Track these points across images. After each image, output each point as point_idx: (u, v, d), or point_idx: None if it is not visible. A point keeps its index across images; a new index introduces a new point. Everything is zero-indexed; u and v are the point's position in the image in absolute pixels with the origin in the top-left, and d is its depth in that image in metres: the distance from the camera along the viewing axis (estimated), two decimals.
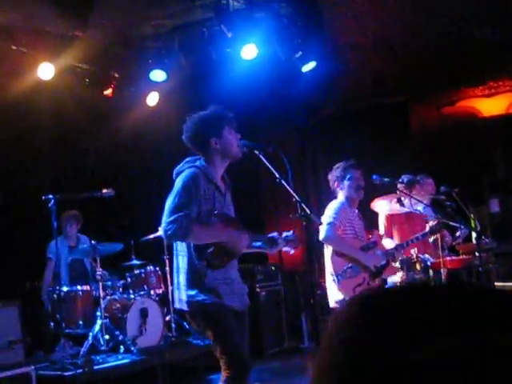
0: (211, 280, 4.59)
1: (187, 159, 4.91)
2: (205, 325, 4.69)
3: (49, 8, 7.30)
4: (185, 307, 4.69)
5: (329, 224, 6.30)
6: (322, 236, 6.32)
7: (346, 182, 6.56)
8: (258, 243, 5.13)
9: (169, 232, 4.44)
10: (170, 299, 8.36)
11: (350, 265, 6.30)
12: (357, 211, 6.70)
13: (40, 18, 7.94)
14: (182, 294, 4.70)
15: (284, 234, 5.18)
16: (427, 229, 7.14)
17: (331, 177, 6.72)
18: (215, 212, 4.69)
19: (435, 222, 7.17)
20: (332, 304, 6.42)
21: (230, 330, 4.64)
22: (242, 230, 4.83)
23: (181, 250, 4.72)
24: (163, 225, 4.49)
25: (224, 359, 4.57)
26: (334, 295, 6.31)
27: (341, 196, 6.64)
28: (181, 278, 4.70)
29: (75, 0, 7.16)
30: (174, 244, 4.80)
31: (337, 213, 6.40)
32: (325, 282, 6.68)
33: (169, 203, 4.56)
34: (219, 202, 4.78)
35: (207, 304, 4.58)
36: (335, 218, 6.35)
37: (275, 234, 5.17)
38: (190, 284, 4.62)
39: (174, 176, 4.83)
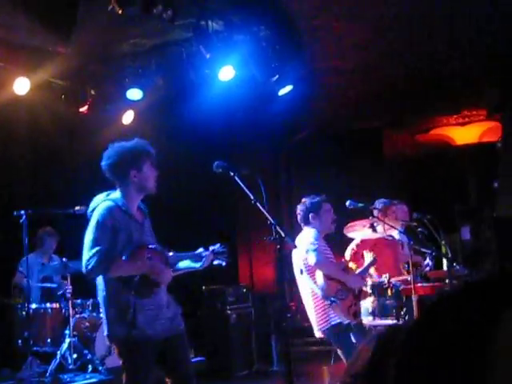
0: (133, 311, 4.56)
1: (99, 195, 4.90)
2: (120, 354, 4.72)
3: (30, 22, 7.27)
4: (107, 340, 4.81)
5: (315, 250, 6.32)
6: (312, 261, 6.33)
7: (322, 216, 6.61)
8: (186, 262, 5.12)
9: (89, 267, 4.46)
10: None
11: (339, 287, 6.32)
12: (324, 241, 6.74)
13: (19, 31, 7.89)
14: (105, 328, 4.76)
15: (211, 248, 5.18)
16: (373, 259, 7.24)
17: (301, 209, 6.74)
18: (135, 244, 4.69)
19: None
20: (318, 334, 6.44)
21: (137, 365, 4.65)
22: (164, 257, 4.87)
23: (100, 284, 4.72)
24: (84, 261, 4.50)
25: None
26: (326, 320, 6.33)
27: (307, 229, 6.67)
28: (103, 312, 4.77)
29: (59, 15, 7.11)
30: (97, 279, 4.77)
31: (317, 239, 6.44)
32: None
33: (87, 239, 4.58)
34: (137, 231, 4.76)
35: (122, 338, 4.60)
36: (318, 244, 6.38)
37: (201, 249, 5.16)
38: (110, 317, 4.64)
39: (89, 213, 4.83)
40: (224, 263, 5.28)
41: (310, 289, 6.46)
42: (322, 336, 6.58)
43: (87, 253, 4.48)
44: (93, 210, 4.77)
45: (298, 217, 6.77)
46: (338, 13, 8.31)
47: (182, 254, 5.11)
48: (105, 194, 4.87)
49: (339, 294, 6.31)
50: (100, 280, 4.69)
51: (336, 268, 6.46)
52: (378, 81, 10.52)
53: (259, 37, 8.71)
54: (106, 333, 4.71)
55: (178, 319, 4.95)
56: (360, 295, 6.61)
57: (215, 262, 5.22)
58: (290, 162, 12.97)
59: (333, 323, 6.32)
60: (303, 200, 6.77)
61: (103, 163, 4.87)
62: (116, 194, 4.82)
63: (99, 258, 4.42)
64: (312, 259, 6.34)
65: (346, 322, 6.28)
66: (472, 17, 8.41)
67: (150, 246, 4.85)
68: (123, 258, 4.58)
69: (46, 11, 6.93)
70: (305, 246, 6.40)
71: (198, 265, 5.09)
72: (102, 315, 4.93)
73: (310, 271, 6.46)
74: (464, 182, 12.15)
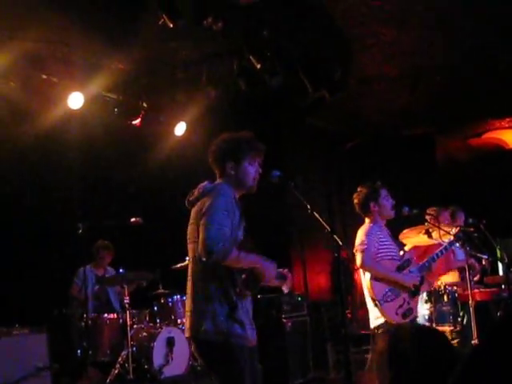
0: (239, 309, 4.27)
1: (207, 181, 4.58)
2: (219, 360, 4.28)
3: (87, 38, 7.40)
4: (202, 336, 4.26)
5: (363, 251, 6.25)
6: (358, 263, 6.27)
7: (381, 201, 6.53)
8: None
9: (210, 250, 4.04)
10: None
11: (389, 288, 6.26)
12: (386, 230, 6.64)
13: (76, 48, 8.04)
14: (198, 323, 4.29)
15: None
16: (452, 238, 7.08)
17: (359, 198, 6.66)
18: (239, 234, 4.38)
19: (457, 229, 7.14)
20: (372, 328, 6.37)
21: (244, 373, 4.24)
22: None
23: (208, 275, 4.30)
24: (204, 243, 4.09)
25: None
26: (376, 319, 6.27)
27: (368, 220, 6.61)
28: (202, 304, 4.30)
29: (119, 31, 7.21)
30: (194, 267, 4.40)
31: (368, 237, 6.36)
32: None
33: (207, 221, 4.18)
34: (242, 225, 4.46)
35: (232, 335, 4.23)
36: (368, 244, 6.30)
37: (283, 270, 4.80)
38: (215, 312, 4.24)
39: (195, 195, 4.52)
40: (284, 289, 4.99)
41: (365, 287, 6.41)
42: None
43: (209, 235, 4.08)
44: (208, 191, 4.43)
45: (357, 207, 6.66)
46: (387, 20, 8.29)
47: None
48: (206, 181, 4.57)
49: (387, 296, 6.26)
50: (203, 270, 4.31)
51: (383, 270, 6.34)
52: (427, 86, 10.46)
53: (307, 45, 8.72)
54: (203, 328, 4.24)
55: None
56: (419, 289, 6.47)
57: (284, 288, 4.86)
58: (342, 170, 12.95)
59: (377, 323, 6.27)
60: (359, 189, 6.67)
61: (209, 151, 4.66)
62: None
63: (222, 243, 4.06)
64: (358, 260, 6.28)
65: (394, 323, 6.18)
66: None
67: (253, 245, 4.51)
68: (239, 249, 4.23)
69: (105, 27, 7.03)
70: (356, 245, 6.36)
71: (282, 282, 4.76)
72: (188, 312, 4.40)
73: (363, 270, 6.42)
74: None
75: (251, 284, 4.35)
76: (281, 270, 4.81)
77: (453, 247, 7.40)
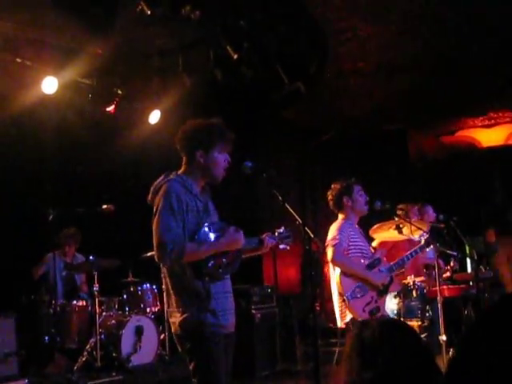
0: (210, 297, 4.27)
1: (163, 174, 4.59)
2: (192, 348, 4.32)
3: (63, 20, 7.32)
4: (177, 329, 4.34)
5: (334, 245, 6.28)
6: (329, 257, 6.30)
7: (355, 196, 6.56)
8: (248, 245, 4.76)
9: (162, 256, 4.15)
10: (166, 318, 8.36)
11: (358, 284, 6.29)
12: (358, 227, 6.67)
13: (50, 29, 7.96)
14: (174, 317, 4.36)
15: (276, 232, 5.00)
16: (422, 242, 7.13)
17: (333, 194, 6.68)
18: (205, 224, 4.38)
19: (427, 235, 7.18)
20: (340, 324, 6.39)
21: (219, 362, 4.29)
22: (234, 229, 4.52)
23: (172, 271, 4.36)
24: (156, 250, 4.20)
25: None
26: (344, 316, 6.30)
27: (341, 216, 6.64)
28: (174, 300, 4.36)
29: (97, 14, 7.12)
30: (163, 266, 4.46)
31: (341, 233, 6.39)
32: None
33: (155, 225, 4.27)
34: (204, 213, 4.47)
35: (204, 324, 4.25)
36: (340, 239, 6.33)
37: (265, 235, 4.90)
38: (185, 305, 4.30)
39: (150, 195, 4.51)
40: (288, 247, 5.10)
41: (334, 282, 6.44)
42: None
43: (158, 240, 4.17)
44: (156, 191, 4.45)
45: (331, 203, 6.67)
46: (363, 15, 8.31)
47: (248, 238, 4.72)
48: (162, 175, 4.56)
49: (355, 293, 6.29)
50: (170, 267, 4.37)
51: (354, 265, 6.37)
52: (402, 82, 10.51)
53: (284, 38, 8.72)
54: (177, 320, 4.31)
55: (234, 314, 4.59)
56: (388, 288, 6.52)
57: (281, 246, 5.05)
58: (315, 164, 12.97)
59: (345, 320, 6.30)
60: (333, 186, 6.69)
61: (176, 137, 4.62)
62: (180, 171, 4.56)
63: (172, 246, 4.11)
64: (329, 255, 6.30)
65: (359, 319, 6.21)
66: (495, 17, 8.39)
67: (220, 223, 4.54)
68: (196, 241, 4.27)
69: (81, 9, 6.96)
70: (327, 240, 6.38)
71: (259, 247, 4.83)
72: (166, 306, 4.50)
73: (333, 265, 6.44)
74: (490, 184, 12.10)
75: (219, 270, 4.36)
76: (280, 230, 5.02)
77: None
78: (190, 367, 4.32)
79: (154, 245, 4.22)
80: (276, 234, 5.02)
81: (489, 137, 12.52)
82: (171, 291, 4.40)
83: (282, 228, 5.08)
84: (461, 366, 1.01)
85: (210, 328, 4.28)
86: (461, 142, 12.91)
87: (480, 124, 12.55)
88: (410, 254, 6.90)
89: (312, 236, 4.76)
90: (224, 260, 4.39)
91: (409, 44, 9.18)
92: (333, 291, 6.48)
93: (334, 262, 6.32)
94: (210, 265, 4.30)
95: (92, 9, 6.93)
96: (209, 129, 4.57)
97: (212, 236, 4.38)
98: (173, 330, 4.45)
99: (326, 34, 8.78)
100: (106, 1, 7.03)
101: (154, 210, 4.37)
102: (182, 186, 4.42)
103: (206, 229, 4.37)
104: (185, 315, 4.29)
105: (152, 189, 4.54)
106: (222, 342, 4.33)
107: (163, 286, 4.56)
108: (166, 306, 4.52)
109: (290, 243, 5.09)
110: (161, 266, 4.46)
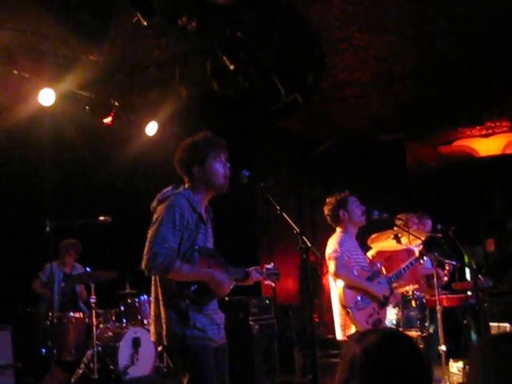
0: (192, 312, 4.26)
1: (171, 186, 4.59)
2: (182, 363, 4.31)
3: (59, 29, 7.31)
4: (164, 342, 4.31)
5: (336, 258, 6.28)
6: (332, 271, 6.30)
7: (350, 208, 6.55)
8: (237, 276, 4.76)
9: (150, 265, 4.14)
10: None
11: (360, 296, 6.28)
12: (356, 241, 6.66)
13: (47, 38, 7.94)
14: (160, 328, 4.33)
15: (265, 268, 4.97)
16: (416, 254, 7.12)
17: (329, 209, 6.68)
18: (196, 247, 4.37)
19: (421, 247, 7.17)
20: (341, 337, 6.37)
21: (208, 374, 4.24)
22: (225, 266, 4.51)
23: (160, 282, 4.37)
24: (145, 257, 4.18)
25: None
26: (346, 328, 6.28)
27: (339, 229, 6.62)
28: (161, 310, 4.33)
29: (92, 22, 7.12)
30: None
31: (341, 246, 6.38)
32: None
33: (152, 233, 4.26)
34: (202, 234, 4.46)
35: (189, 338, 4.24)
36: (341, 251, 6.33)
37: (252, 268, 4.89)
38: (171, 317, 4.28)
39: (155, 202, 4.52)
40: (274, 284, 5.13)
41: (334, 294, 6.42)
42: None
43: (151, 249, 4.16)
44: (160, 202, 4.47)
45: (328, 218, 6.68)
46: (360, 25, 8.31)
47: (235, 269, 4.72)
48: (176, 185, 4.58)
49: (358, 304, 6.28)
50: (159, 278, 4.36)
51: (356, 278, 6.38)
52: (399, 92, 10.51)
53: (281, 48, 8.71)
54: (163, 332, 4.29)
55: (223, 328, 4.62)
56: (388, 300, 6.52)
57: (266, 282, 5.04)
58: (313, 174, 12.96)
59: (348, 332, 6.28)
60: (328, 200, 6.70)
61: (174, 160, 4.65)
62: (188, 188, 4.55)
63: (163, 258, 4.12)
64: (331, 268, 6.31)
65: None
66: (493, 29, 8.39)
67: (213, 252, 4.56)
68: (186, 262, 4.26)
69: (78, 19, 6.95)
70: (328, 253, 6.38)
71: (244, 279, 4.79)
72: (154, 313, 4.41)
73: (334, 278, 6.43)
74: (488, 194, 12.10)
75: (201, 295, 4.33)
76: (269, 266, 5.00)
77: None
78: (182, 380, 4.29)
79: (145, 251, 4.20)
80: (264, 269, 4.99)
81: (486, 146, 12.53)
82: (157, 302, 4.39)
83: (271, 264, 5.08)
84: None
85: (196, 341, 4.26)
86: (458, 152, 12.91)
87: (477, 134, 12.55)
88: (406, 265, 6.90)
89: (309, 245, 4.72)
90: (202, 290, 4.33)
91: (406, 54, 9.17)
92: (333, 303, 6.46)
93: (337, 275, 6.31)
94: (193, 288, 4.28)
95: (86, 21, 6.94)
96: (195, 143, 4.60)
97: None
98: (153, 338, 4.43)
99: (322, 44, 8.78)
100: (101, 13, 7.03)
101: (154, 217, 4.37)
102: (188, 202, 4.42)
103: (196, 253, 4.36)
104: (168, 328, 4.29)
105: (158, 196, 4.56)
106: (211, 354, 4.31)
107: (152, 294, 4.52)
108: (152, 314, 4.45)
109: (276, 281, 5.07)
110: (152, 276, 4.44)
